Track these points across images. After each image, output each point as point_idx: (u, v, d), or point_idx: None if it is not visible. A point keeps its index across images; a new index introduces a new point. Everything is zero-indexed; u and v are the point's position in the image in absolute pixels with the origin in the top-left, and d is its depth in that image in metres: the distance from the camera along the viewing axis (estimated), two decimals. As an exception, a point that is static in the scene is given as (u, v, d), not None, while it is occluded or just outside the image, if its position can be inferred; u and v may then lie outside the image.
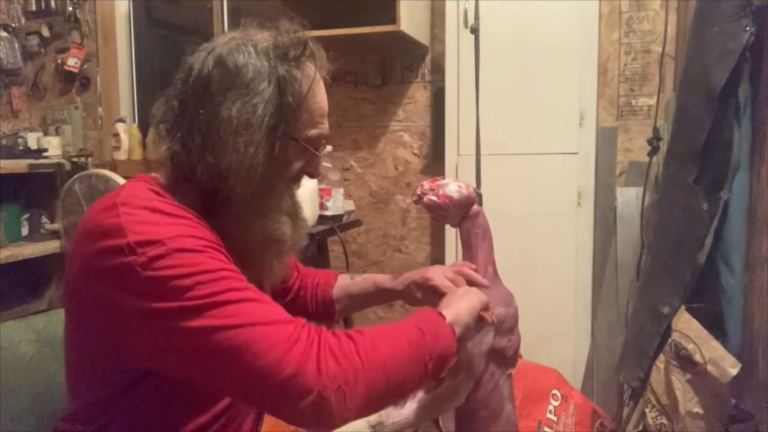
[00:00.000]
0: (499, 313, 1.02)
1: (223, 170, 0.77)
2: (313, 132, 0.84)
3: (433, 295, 1.01)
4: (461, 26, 2.02)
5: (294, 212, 0.89)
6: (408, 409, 1.01)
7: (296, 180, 0.88)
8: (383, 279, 1.10)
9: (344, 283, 1.13)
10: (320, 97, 0.85)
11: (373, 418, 1.01)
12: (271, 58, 0.79)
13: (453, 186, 1.02)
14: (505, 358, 1.04)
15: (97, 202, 0.80)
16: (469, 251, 1.05)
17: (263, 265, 0.88)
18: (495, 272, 1.07)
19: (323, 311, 1.13)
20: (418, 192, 1.03)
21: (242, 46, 0.80)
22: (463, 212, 1.03)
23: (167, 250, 0.69)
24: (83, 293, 0.76)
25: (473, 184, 2.07)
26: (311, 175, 0.89)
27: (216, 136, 0.77)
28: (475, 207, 1.04)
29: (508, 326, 1.05)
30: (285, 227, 0.85)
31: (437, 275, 1.02)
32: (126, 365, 0.77)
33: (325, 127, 0.87)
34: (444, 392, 0.98)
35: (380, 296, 1.12)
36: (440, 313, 0.86)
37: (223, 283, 0.70)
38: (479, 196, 1.06)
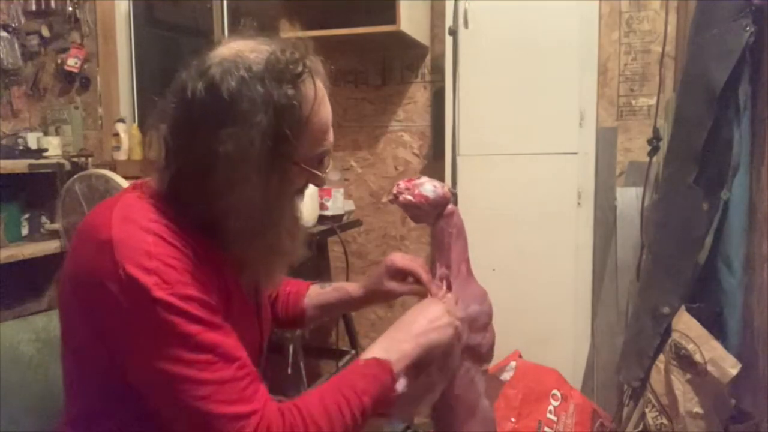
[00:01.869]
0: (473, 310, 1.04)
1: (221, 207, 0.76)
2: (316, 151, 0.82)
3: (399, 277, 1.05)
4: (461, 26, 2.02)
5: (294, 224, 0.88)
6: None
7: (299, 193, 0.87)
8: (353, 289, 1.11)
9: (314, 293, 1.14)
10: (323, 114, 0.81)
11: None
12: (266, 82, 0.74)
13: (428, 185, 1.03)
14: (479, 354, 1.06)
15: (94, 209, 0.79)
16: (441, 250, 1.07)
17: (262, 276, 0.89)
18: (468, 271, 1.08)
19: (294, 320, 1.14)
20: (394, 191, 1.04)
21: (234, 69, 0.74)
22: (438, 211, 1.05)
23: (152, 300, 0.70)
24: (76, 301, 0.77)
25: (474, 183, 2.08)
26: (316, 185, 0.87)
27: (213, 173, 0.74)
28: (450, 206, 1.05)
29: (482, 323, 1.07)
30: (285, 241, 0.85)
31: (397, 257, 1.06)
32: (121, 375, 0.76)
33: (328, 141, 0.84)
34: (418, 389, 0.98)
35: (350, 305, 1.14)
36: (391, 372, 0.83)
37: (191, 356, 0.71)
38: (454, 195, 1.07)
